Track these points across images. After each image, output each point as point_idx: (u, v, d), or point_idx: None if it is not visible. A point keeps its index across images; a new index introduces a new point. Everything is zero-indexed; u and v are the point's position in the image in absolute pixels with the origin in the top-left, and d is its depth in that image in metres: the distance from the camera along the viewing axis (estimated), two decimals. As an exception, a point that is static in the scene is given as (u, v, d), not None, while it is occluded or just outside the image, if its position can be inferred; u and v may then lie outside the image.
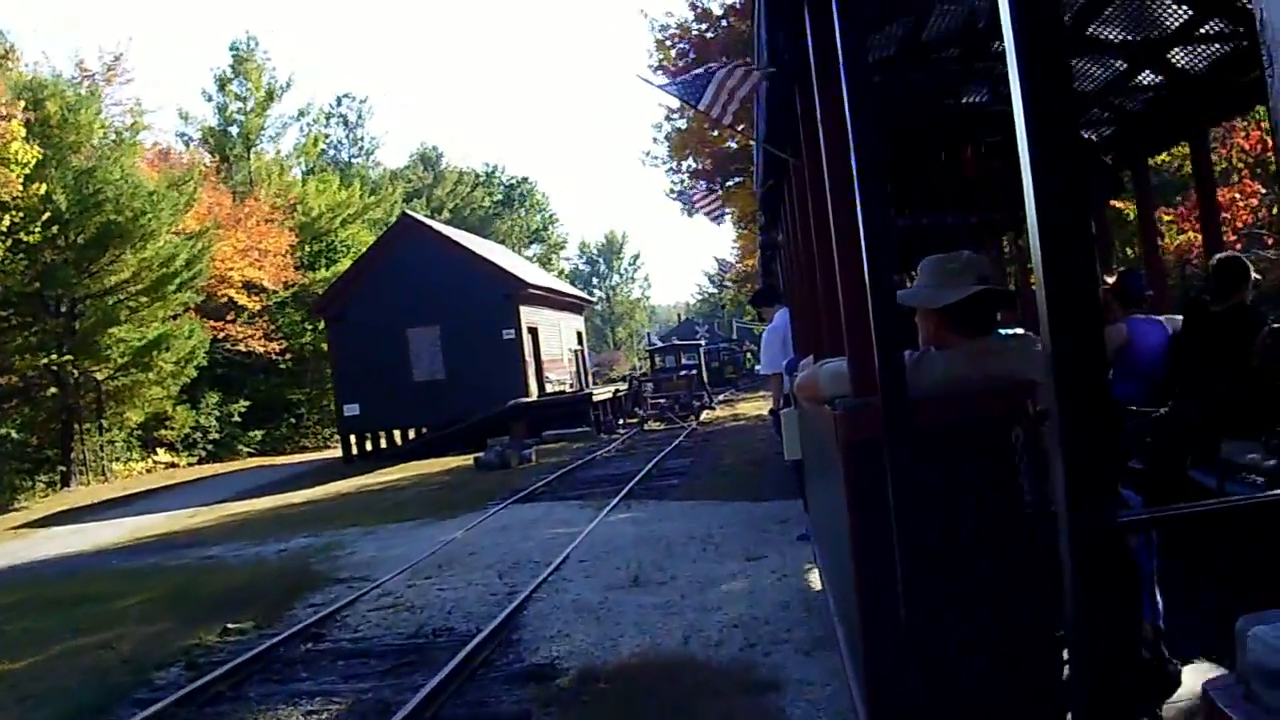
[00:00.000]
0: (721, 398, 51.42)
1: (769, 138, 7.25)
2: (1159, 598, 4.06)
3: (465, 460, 27.78)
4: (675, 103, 28.04)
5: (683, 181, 32.86)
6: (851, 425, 3.59)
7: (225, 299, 45.73)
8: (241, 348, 46.15)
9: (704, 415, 38.15)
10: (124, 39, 51.05)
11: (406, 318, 36.23)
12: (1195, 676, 3.71)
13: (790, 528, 11.80)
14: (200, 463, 45.21)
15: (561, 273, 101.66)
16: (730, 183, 29.47)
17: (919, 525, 3.15)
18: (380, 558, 13.45)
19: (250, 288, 46.64)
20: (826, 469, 4.90)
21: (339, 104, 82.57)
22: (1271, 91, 1.41)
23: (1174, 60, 7.71)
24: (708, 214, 23.00)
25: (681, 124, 30.01)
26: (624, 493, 16.91)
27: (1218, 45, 7.28)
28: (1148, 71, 8.09)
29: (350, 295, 37.86)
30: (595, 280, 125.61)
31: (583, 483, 20.07)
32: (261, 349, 46.53)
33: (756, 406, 37.14)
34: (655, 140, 34.57)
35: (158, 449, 44.86)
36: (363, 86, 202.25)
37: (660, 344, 63.83)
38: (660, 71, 29.65)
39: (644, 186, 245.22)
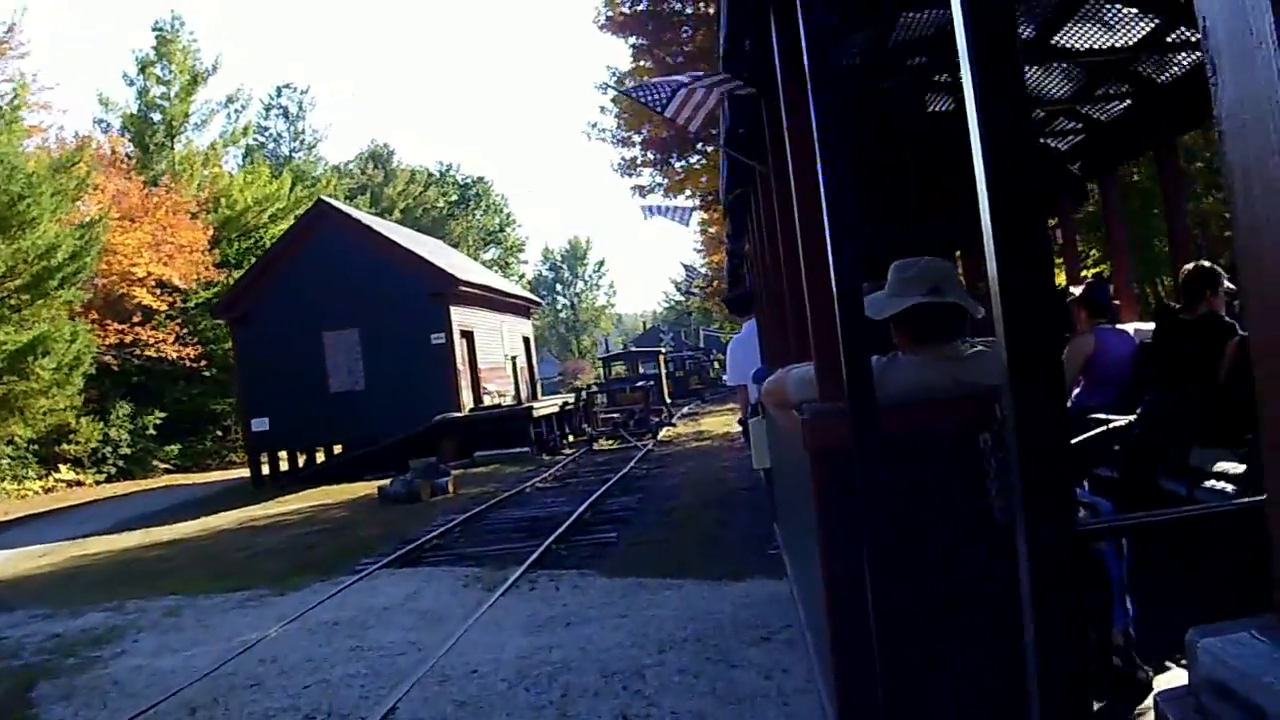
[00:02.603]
0: (685, 410, 46.83)
1: (735, 145, 7.27)
2: (1129, 604, 3.98)
3: (378, 486, 22.99)
4: (624, 65, 24.15)
5: (635, 159, 28.21)
6: (819, 431, 3.58)
7: (135, 300, 40.92)
8: (152, 353, 41.29)
9: (663, 432, 33.44)
10: (18, 9, 46.00)
11: (322, 319, 31.57)
12: (1166, 683, 3.55)
13: (778, 652, 7.18)
14: (109, 480, 40.92)
15: (522, 277, 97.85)
16: (694, 155, 24.92)
17: (887, 530, 3.09)
18: (139, 674, 8.78)
19: (163, 287, 41.80)
20: (794, 475, 4.91)
21: (279, 94, 77.57)
22: (1217, 100, 1.40)
23: (1141, 70, 7.80)
24: (673, 217, 19.35)
25: (631, 83, 25.39)
26: (538, 553, 12.20)
27: (1184, 54, 7.31)
28: (1114, 81, 8.15)
29: (257, 293, 33.03)
30: (560, 287, 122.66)
31: (492, 531, 15.28)
32: (174, 355, 41.59)
33: (724, 421, 32.71)
34: (603, 110, 29.68)
35: (59, 465, 40.18)
36: (309, 80, 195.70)
37: (615, 351, 58.98)
38: (607, 28, 25.21)
39: (609, 192, 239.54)
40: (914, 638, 3.25)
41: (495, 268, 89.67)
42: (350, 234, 32.88)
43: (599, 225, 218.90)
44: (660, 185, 28.50)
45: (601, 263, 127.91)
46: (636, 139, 27.63)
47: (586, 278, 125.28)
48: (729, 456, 22.45)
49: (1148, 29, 7.00)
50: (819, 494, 3.58)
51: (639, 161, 28.03)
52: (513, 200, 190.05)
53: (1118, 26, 7.03)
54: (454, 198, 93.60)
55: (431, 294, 31.58)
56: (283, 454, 33.41)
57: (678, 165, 26.00)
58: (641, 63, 26.53)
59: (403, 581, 11.66)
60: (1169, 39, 7.09)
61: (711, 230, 35.97)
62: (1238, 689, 1.46)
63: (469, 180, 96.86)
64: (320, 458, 34.23)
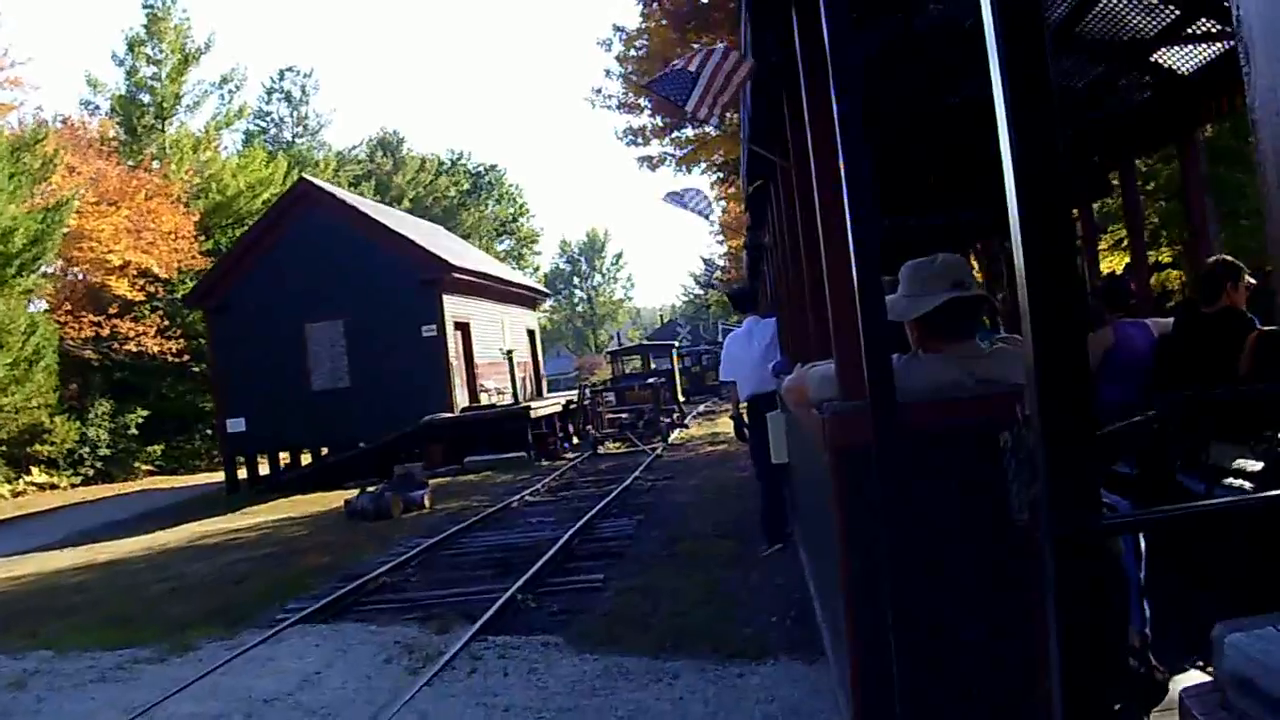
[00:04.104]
0: (701, 408, 43.84)
1: (756, 138, 7.32)
2: (1146, 606, 3.92)
3: (345, 499, 20.10)
4: (632, 23, 21.74)
5: (644, 128, 25.28)
6: (840, 429, 3.59)
7: (112, 290, 38.20)
8: (132, 347, 38.62)
9: (675, 434, 30.52)
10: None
11: (303, 309, 28.75)
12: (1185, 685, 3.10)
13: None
14: (86, 484, 38.37)
15: (537, 269, 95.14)
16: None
17: (906, 529, 3.08)
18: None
19: (146, 276, 39.04)
20: (814, 472, 4.93)
21: (281, 78, 74.75)
22: (1250, 88, 1.39)
23: (1162, 60, 7.73)
24: (695, 207, 17.25)
25: (642, 43, 22.47)
26: (498, 606, 9.33)
27: (1206, 45, 7.24)
28: (1136, 71, 8.08)
29: (235, 281, 30.19)
30: (576, 280, 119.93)
31: (454, 566, 12.40)
32: (156, 348, 38.86)
33: (742, 423, 29.67)
34: (608, 73, 26.66)
35: (31, 468, 37.55)
36: (318, 65, 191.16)
37: (625, 345, 55.95)
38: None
39: (627, 184, 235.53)
40: (932, 635, 3.19)
41: (509, 259, 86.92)
42: (334, 216, 29.98)
43: (617, 218, 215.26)
44: (671, 156, 25.65)
45: (619, 255, 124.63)
46: (645, 104, 24.70)
47: (604, 270, 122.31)
48: (747, 464, 19.47)
49: (1169, 19, 6.92)
50: (839, 491, 3.60)
51: (648, 131, 25.16)
52: (529, 192, 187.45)
53: (1140, 17, 6.92)
54: (465, 187, 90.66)
55: (423, 281, 28.67)
56: (263, 457, 30.80)
57: (691, 133, 23.24)
58: (651, 23, 23.71)
59: (313, 647, 8.77)
60: (1190, 30, 7.03)
61: (729, 216, 33.25)
62: (1262, 684, 1.44)
63: (481, 168, 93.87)
64: (306, 459, 31.61)
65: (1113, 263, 21.45)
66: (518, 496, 18.62)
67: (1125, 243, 22.41)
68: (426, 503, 18.74)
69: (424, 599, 10.46)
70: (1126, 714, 3.54)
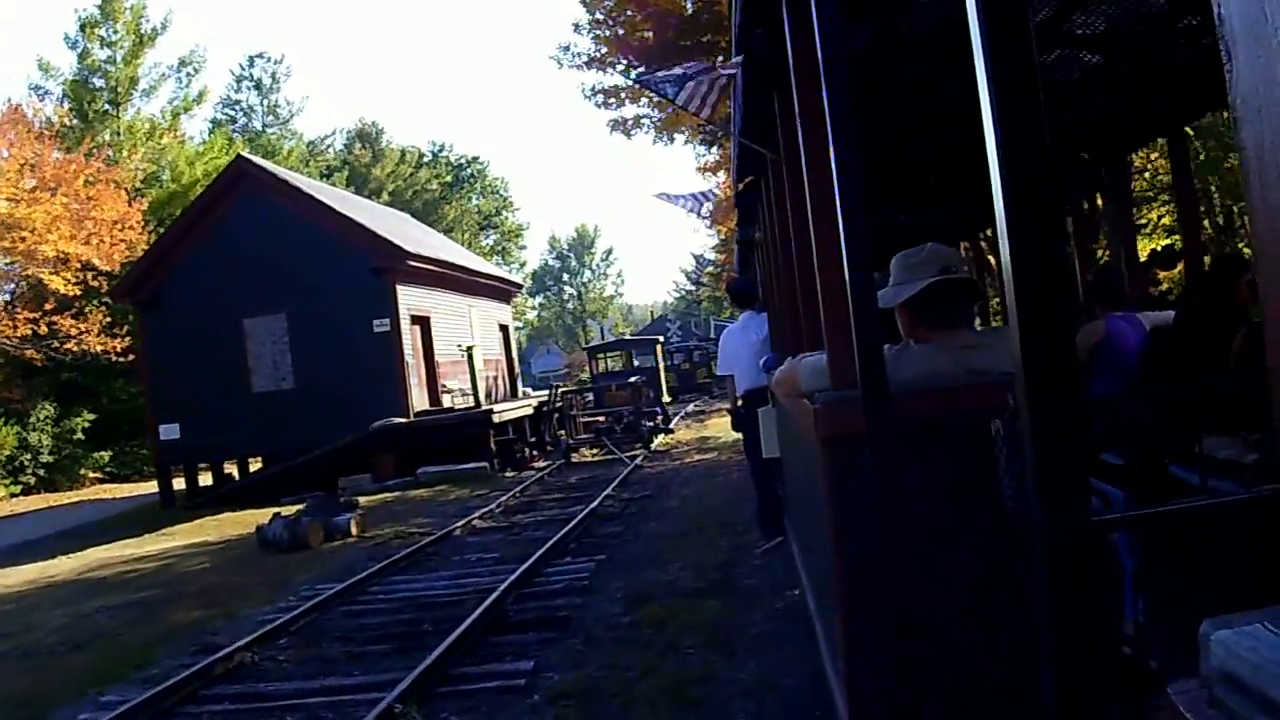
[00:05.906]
0: (690, 407, 40.79)
1: (747, 133, 7.25)
2: (1140, 596, 3.85)
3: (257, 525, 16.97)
4: None
5: (615, 88, 22.21)
6: (831, 419, 3.58)
7: (47, 285, 35.11)
8: (73, 346, 35.52)
9: (659, 439, 27.36)
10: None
11: (242, 303, 25.83)
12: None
13: None
14: (26, 493, 35.80)
15: (524, 265, 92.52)
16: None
17: (898, 518, 3.02)
18: None
19: (89, 269, 35.90)
20: (806, 464, 4.93)
21: (251, 65, 71.31)
22: (1232, 86, 1.38)
23: (1152, 55, 7.65)
24: (687, 206, 14.98)
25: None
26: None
27: (1195, 40, 7.21)
28: (1126, 66, 7.93)
29: (167, 272, 27.14)
30: (566, 276, 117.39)
31: (345, 634, 9.22)
32: (100, 347, 35.71)
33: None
34: (576, 28, 23.46)
35: (-35, 478, 34.83)
36: (293, 53, 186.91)
37: (606, 340, 52.82)
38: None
39: (618, 179, 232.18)
40: (926, 624, 3.17)
41: (495, 255, 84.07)
42: (275, 198, 26.81)
43: (607, 213, 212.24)
44: (649, 119, 22.61)
45: (609, 251, 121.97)
46: (618, 60, 21.53)
47: (594, 267, 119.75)
48: (740, 476, 16.32)
49: (1159, 13, 6.76)
50: (830, 482, 3.60)
51: (622, 92, 22.06)
52: (517, 187, 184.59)
53: (1130, 11, 6.71)
54: (447, 180, 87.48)
55: (373, 270, 25.54)
56: (206, 465, 27.89)
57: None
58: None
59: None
60: (1179, 25, 6.92)
61: (717, 200, 30.23)
62: (1250, 682, 1.42)
63: (463, 160, 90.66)
64: (257, 465, 28.67)
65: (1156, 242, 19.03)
66: (465, 520, 15.52)
67: (1158, 224, 20.02)
68: (354, 529, 15.64)
69: (276, 695, 7.37)
70: (1120, 703, 2.87)
